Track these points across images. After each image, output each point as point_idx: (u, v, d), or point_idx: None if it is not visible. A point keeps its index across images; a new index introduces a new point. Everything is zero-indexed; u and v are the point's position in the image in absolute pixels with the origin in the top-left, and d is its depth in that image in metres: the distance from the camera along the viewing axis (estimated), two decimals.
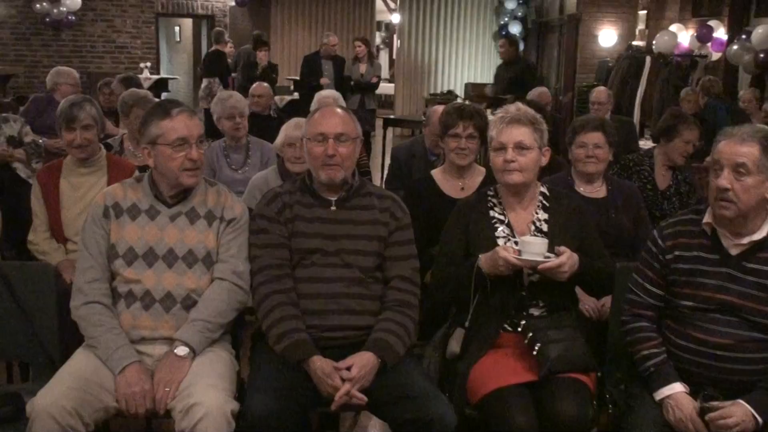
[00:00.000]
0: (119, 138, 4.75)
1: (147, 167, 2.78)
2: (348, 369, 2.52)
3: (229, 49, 11.07)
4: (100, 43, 12.91)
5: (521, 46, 14.82)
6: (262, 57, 9.69)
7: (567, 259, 2.61)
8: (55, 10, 12.09)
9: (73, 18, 12.38)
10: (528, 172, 2.77)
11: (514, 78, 10.19)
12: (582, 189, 3.65)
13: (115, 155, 4.07)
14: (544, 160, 2.83)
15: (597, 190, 3.66)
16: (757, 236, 2.44)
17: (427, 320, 3.11)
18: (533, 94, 6.94)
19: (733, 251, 2.48)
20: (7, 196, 4.30)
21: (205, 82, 10.48)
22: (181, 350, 2.55)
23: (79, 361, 2.56)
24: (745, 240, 2.45)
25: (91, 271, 2.64)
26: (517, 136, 2.75)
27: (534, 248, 2.59)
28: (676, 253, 2.55)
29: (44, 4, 12.06)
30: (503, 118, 2.79)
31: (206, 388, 2.42)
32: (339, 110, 2.84)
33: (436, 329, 2.97)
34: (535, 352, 2.58)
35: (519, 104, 2.87)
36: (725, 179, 2.41)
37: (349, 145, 2.76)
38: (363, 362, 2.54)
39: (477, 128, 3.52)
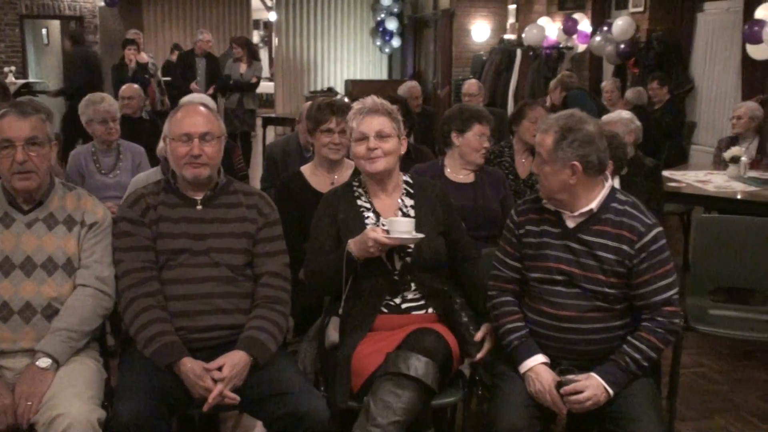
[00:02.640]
0: None
1: None
2: (219, 369, 2.50)
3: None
4: None
5: (397, 42, 15.03)
6: (130, 56, 9.32)
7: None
8: None
9: None
10: (390, 158, 2.83)
11: None
12: (453, 176, 3.78)
13: None
14: (403, 149, 2.91)
15: (467, 176, 3.79)
16: (586, 207, 2.57)
17: (301, 316, 3.13)
18: (403, 88, 7.04)
19: (570, 224, 2.60)
20: None
21: None
22: (43, 362, 2.46)
23: None
24: (578, 213, 2.58)
25: None
26: (377, 125, 2.82)
27: (402, 227, 2.64)
28: (527, 227, 2.68)
29: None
30: (362, 110, 2.85)
31: (70, 398, 2.35)
32: (202, 108, 2.81)
33: (310, 324, 2.99)
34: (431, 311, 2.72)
35: (374, 97, 2.93)
36: (534, 165, 2.63)
37: (214, 144, 2.74)
38: (234, 361, 2.52)
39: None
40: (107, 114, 4.77)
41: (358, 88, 13.93)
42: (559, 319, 2.58)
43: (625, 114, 4.65)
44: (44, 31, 15.11)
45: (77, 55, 9.34)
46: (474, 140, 3.77)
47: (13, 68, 12.13)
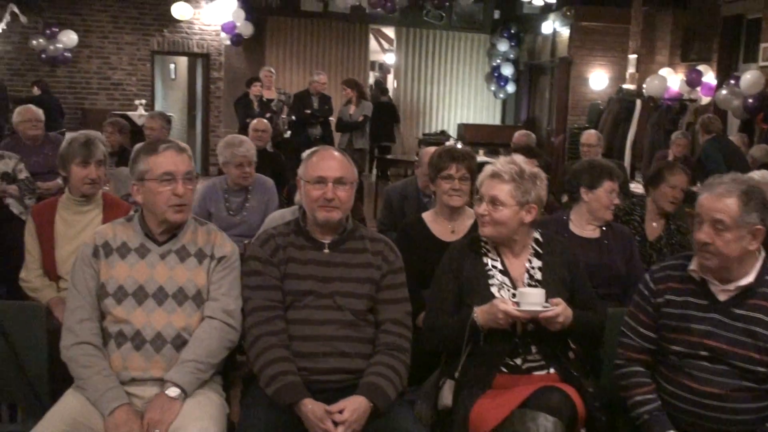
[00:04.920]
0: None
1: None
2: (340, 412, 2.50)
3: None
4: (95, 80, 12.95)
5: (512, 88, 15.04)
6: (255, 93, 9.64)
7: (563, 310, 2.64)
8: (51, 47, 12.15)
9: (69, 55, 12.45)
10: (501, 227, 2.79)
11: None
12: (578, 230, 3.71)
13: (111, 194, 4.08)
14: (528, 217, 2.81)
15: (593, 231, 3.71)
16: (744, 281, 2.44)
17: (419, 364, 3.10)
18: (519, 138, 6.87)
19: (722, 297, 2.48)
20: None
21: None
22: (173, 391, 2.53)
23: (69, 403, 2.54)
24: (732, 286, 2.45)
25: (81, 311, 2.63)
26: (494, 191, 2.79)
27: (533, 299, 2.60)
28: (667, 297, 2.56)
29: (40, 40, 12.11)
30: (488, 171, 2.84)
31: (197, 431, 2.41)
32: (336, 153, 2.85)
33: (427, 374, 2.96)
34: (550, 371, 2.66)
35: (515, 158, 2.89)
36: (705, 234, 2.43)
37: (347, 189, 2.78)
38: (355, 406, 2.52)
39: (469, 170, 3.56)
40: (244, 159, 4.86)
41: (470, 132, 13.97)
42: (701, 395, 2.45)
43: (745, 179, 4.37)
44: (172, 66, 15.86)
45: None
46: (604, 196, 3.69)
47: (143, 101, 12.73)
